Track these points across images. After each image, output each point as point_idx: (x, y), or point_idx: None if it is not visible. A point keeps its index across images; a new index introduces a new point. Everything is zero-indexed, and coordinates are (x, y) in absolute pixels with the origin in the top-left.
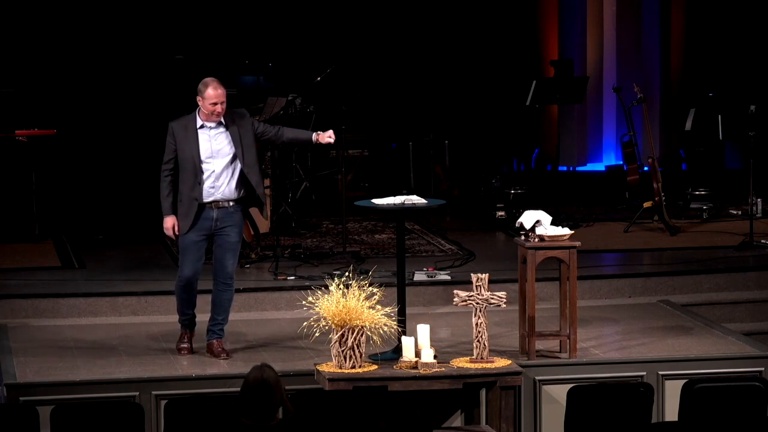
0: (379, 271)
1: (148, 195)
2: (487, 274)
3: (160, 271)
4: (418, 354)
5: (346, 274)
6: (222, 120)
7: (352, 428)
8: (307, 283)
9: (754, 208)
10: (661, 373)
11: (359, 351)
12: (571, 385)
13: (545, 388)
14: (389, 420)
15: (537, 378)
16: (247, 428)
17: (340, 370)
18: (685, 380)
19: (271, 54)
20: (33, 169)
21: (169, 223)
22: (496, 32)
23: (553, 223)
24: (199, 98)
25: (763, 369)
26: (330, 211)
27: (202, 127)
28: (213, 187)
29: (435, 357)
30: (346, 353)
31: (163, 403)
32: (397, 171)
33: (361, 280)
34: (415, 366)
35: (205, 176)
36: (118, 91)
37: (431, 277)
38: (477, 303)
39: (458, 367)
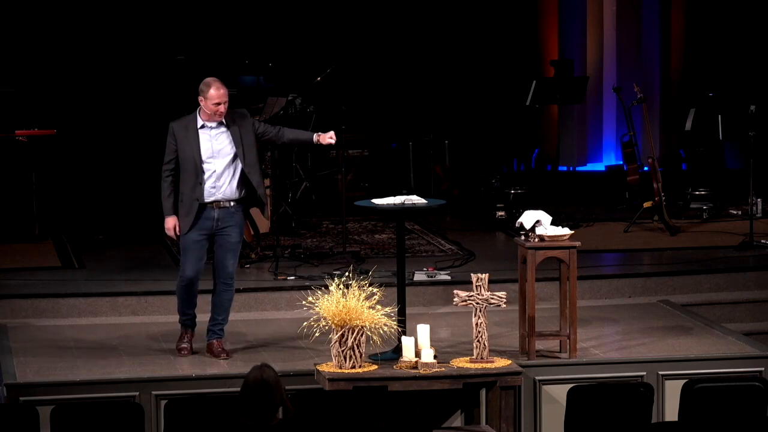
0: (379, 271)
1: (148, 195)
2: (487, 274)
3: (160, 271)
4: (418, 354)
5: (346, 274)
6: (223, 120)
7: (352, 428)
8: (307, 283)
9: (754, 208)
10: (661, 373)
11: (359, 351)
12: (571, 385)
13: (545, 388)
14: (389, 420)
15: (537, 378)
16: (247, 428)
17: (340, 370)
18: (685, 380)
19: (271, 54)
20: (33, 169)
21: (171, 223)
22: (496, 32)
23: (553, 223)
24: (201, 98)
25: (763, 369)
26: (330, 211)
27: (202, 127)
28: (214, 187)
29: (435, 357)
30: (346, 353)
31: (163, 403)
32: (397, 171)
33: (361, 280)
34: (415, 366)
35: (206, 176)
36: (118, 91)
37: (431, 277)
38: (477, 303)
39: (458, 367)
